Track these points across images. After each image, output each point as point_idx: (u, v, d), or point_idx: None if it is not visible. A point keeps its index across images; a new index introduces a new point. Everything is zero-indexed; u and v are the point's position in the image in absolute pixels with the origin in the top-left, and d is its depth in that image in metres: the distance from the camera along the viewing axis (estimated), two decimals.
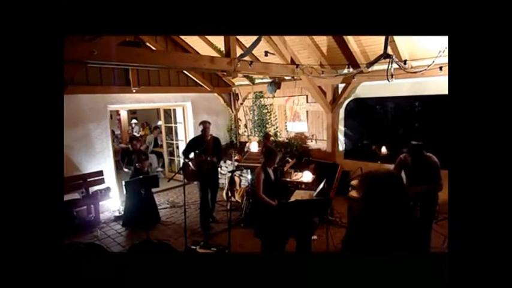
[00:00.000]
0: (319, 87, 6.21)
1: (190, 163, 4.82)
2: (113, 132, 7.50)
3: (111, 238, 4.96)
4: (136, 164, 5.39)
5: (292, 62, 5.63)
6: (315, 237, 4.11)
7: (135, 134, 10.26)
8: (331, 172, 5.84)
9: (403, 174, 3.79)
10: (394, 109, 5.77)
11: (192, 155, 4.92)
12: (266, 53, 5.44)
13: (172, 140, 8.33)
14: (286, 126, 7.25)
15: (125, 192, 5.11)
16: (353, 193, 5.21)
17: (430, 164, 3.48)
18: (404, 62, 4.54)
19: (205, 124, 4.91)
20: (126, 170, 5.57)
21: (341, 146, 6.48)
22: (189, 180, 4.97)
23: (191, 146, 4.97)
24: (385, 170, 1.43)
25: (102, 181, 5.87)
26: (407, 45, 4.71)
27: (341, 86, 6.19)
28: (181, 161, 5.25)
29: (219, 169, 7.31)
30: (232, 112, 8.20)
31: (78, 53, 3.22)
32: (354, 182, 5.44)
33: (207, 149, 4.78)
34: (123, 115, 10.29)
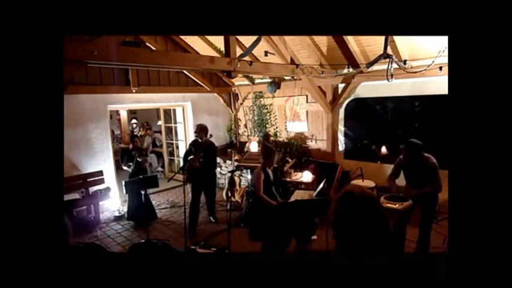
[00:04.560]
0: (319, 87, 6.21)
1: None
2: (112, 132, 7.50)
3: (111, 238, 4.96)
4: (138, 159, 5.42)
5: (292, 62, 5.63)
6: (314, 237, 4.11)
7: (135, 133, 10.25)
8: (331, 172, 5.84)
9: (401, 175, 3.80)
10: (394, 109, 5.77)
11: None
12: (266, 53, 5.44)
13: (172, 140, 8.33)
14: (286, 126, 7.25)
15: (124, 192, 5.12)
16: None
17: (428, 165, 3.45)
18: (404, 62, 4.55)
19: (197, 127, 5.02)
20: (125, 168, 5.58)
21: (341, 146, 6.47)
22: (186, 181, 5.06)
23: (189, 149, 5.11)
24: (362, 191, 1.31)
25: (102, 181, 5.87)
26: (407, 45, 4.71)
27: (341, 86, 6.19)
28: (182, 162, 5.36)
29: (219, 169, 7.34)
30: (232, 112, 8.20)
31: (78, 53, 3.22)
32: (354, 182, 5.44)
33: (200, 151, 4.82)
34: (123, 115, 10.29)
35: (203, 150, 4.83)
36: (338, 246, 1.30)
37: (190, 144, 5.26)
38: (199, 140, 4.97)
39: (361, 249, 1.24)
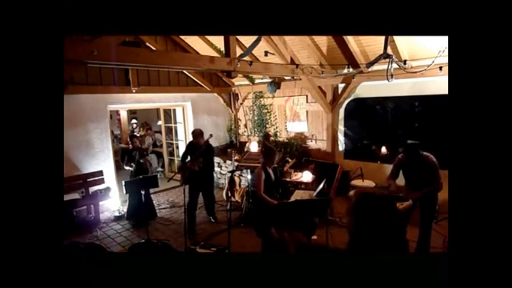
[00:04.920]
0: (319, 87, 6.21)
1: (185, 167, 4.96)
2: (112, 132, 7.50)
3: (111, 238, 4.96)
4: (140, 160, 5.42)
5: (292, 62, 5.63)
6: (314, 237, 4.11)
7: (135, 133, 10.24)
8: (331, 172, 5.82)
9: (401, 174, 3.80)
10: (394, 109, 5.77)
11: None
12: (266, 53, 5.44)
13: (172, 140, 8.33)
14: (286, 126, 7.25)
15: (124, 192, 5.12)
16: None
17: (427, 164, 3.46)
18: (404, 62, 4.55)
19: (193, 134, 5.05)
20: (127, 168, 5.58)
21: (341, 146, 6.48)
22: (184, 183, 5.06)
23: (186, 151, 5.13)
24: (379, 193, 1.37)
25: (102, 181, 5.87)
26: (407, 45, 4.71)
27: (341, 86, 6.19)
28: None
29: (219, 169, 7.34)
30: (232, 112, 8.20)
31: (78, 53, 3.22)
32: (354, 182, 5.44)
33: (198, 155, 4.82)
34: (123, 115, 10.29)
35: (202, 154, 4.82)
36: (351, 245, 1.31)
37: (187, 146, 5.26)
38: (196, 142, 4.97)
39: (376, 249, 1.25)
